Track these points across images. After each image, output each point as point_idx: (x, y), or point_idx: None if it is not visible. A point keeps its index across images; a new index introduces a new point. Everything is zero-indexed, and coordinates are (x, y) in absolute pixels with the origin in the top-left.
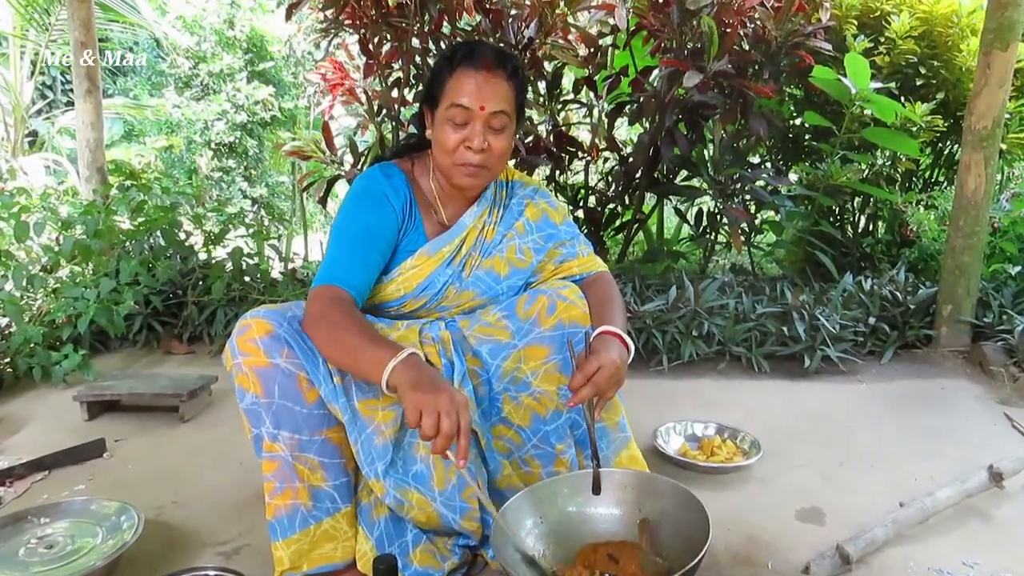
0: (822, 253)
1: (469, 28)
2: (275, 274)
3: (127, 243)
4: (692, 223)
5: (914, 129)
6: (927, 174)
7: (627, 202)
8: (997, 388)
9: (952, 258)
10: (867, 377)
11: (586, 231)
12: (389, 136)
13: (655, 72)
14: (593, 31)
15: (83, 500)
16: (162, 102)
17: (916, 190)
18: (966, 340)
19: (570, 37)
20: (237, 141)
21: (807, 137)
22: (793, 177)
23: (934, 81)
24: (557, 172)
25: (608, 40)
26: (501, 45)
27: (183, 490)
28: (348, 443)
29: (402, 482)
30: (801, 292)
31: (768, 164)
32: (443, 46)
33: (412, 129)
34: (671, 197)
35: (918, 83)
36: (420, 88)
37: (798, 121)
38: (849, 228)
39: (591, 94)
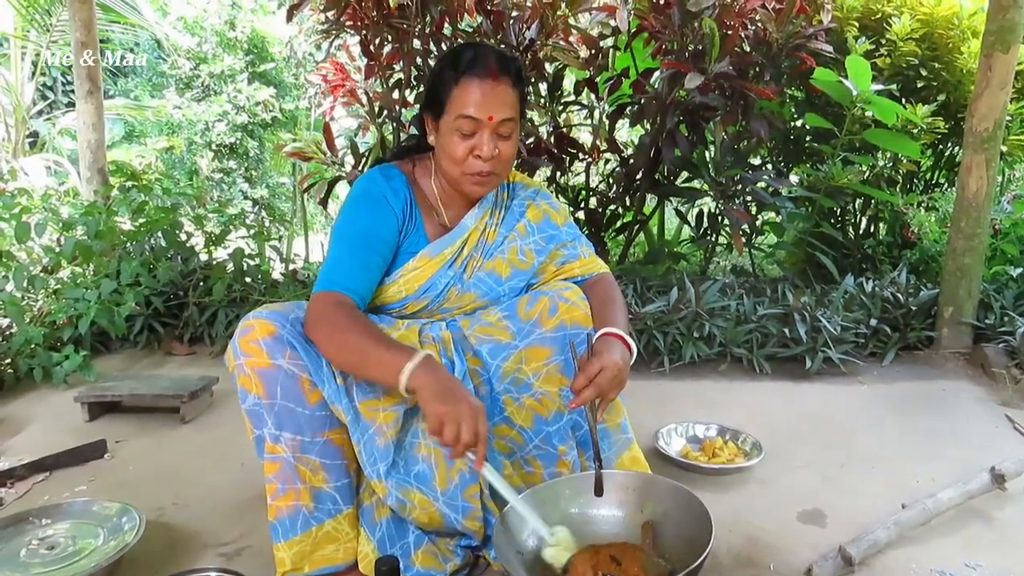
0: (823, 255)
1: (470, 30)
2: (276, 275)
3: (128, 244)
4: (693, 224)
5: (915, 131)
6: (928, 176)
7: (628, 203)
8: (999, 390)
9: (953, 260)
10: (868, 379)
11: (587, 232)
12: (390, 137)
13: (656, 74)
14: (594, 33)
15: (84, 501)
16: (163, 103)
17: (917, 192)
18: (967, 342)
19: (571, 39)
20: (238, 142)
21: (808, 139)
22: (794, 179)
23: (935, 83)
24: (558, 173)
25: (609, 42)
26: (502, 47)
27: (184, 491)
28: (350, 444)
29: (404, 482)
30: (802, 294)
31: (769, 166)
32: (444, 47)
33: (413, 130)
34: (672, 198)
35: (919, 85)
36: (421, 89)
37: (799, 123)
38: (850, 230)
39: (592, 96)
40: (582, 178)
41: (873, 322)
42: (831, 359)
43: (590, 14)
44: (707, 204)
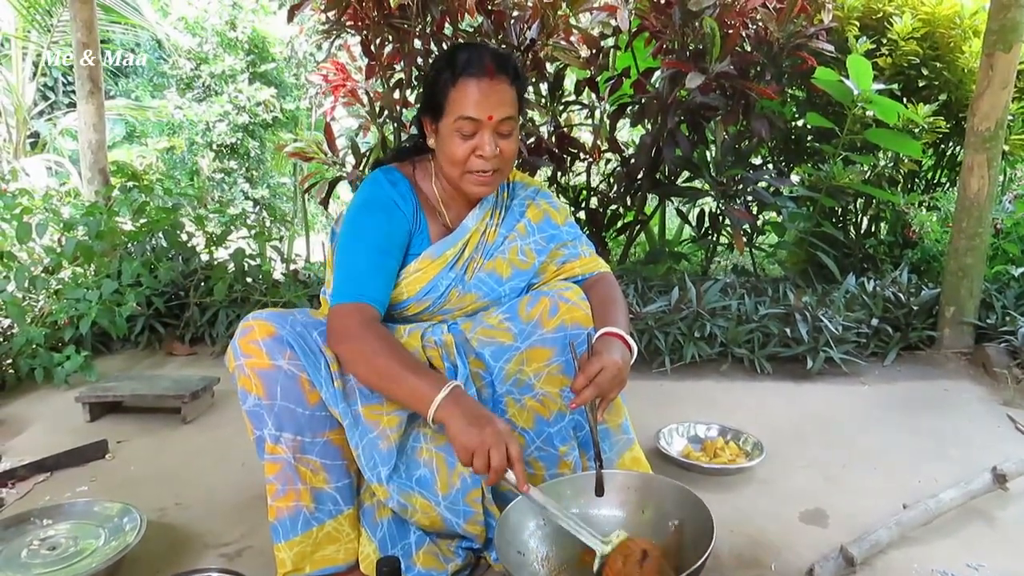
0: (824, 254)
1: (471, 30)
2: (277, 275)
3: (129, 244)
4: (694, 224)
5: (916, 130)
6: (929, 175)
7: (629, 203)
8: (1000, 390)
9: (955, 259)
10: (870, 379)
11: (588, 232)
12: (391, 137)
13: (657, 73)
14: (595, 32)
15: (85, 502)
16: (164, 103)
17: (918, 191)
18: (969, 342)
19: (572, 38)
20: (239, 142)
21: (809, 138)
22: (795, 178)
23: (936, 82)
24: (559, 173)
25: (610, 41)
26: (503, 47)
27: (185, 491)
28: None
29: (406, 487)
30: (803, 293)
31: (770, 165)
32: (445, 47)
33: (413, 130)
34: (673, 198)
35: (920, 84)
36: (421, 90)
37: (800, 122)
38: (851, 229)
39: (593, 95)
40: (583, 178)
41: (875, 322)
42: (832, 359)
43: (591, 14)
44: (708, 204)
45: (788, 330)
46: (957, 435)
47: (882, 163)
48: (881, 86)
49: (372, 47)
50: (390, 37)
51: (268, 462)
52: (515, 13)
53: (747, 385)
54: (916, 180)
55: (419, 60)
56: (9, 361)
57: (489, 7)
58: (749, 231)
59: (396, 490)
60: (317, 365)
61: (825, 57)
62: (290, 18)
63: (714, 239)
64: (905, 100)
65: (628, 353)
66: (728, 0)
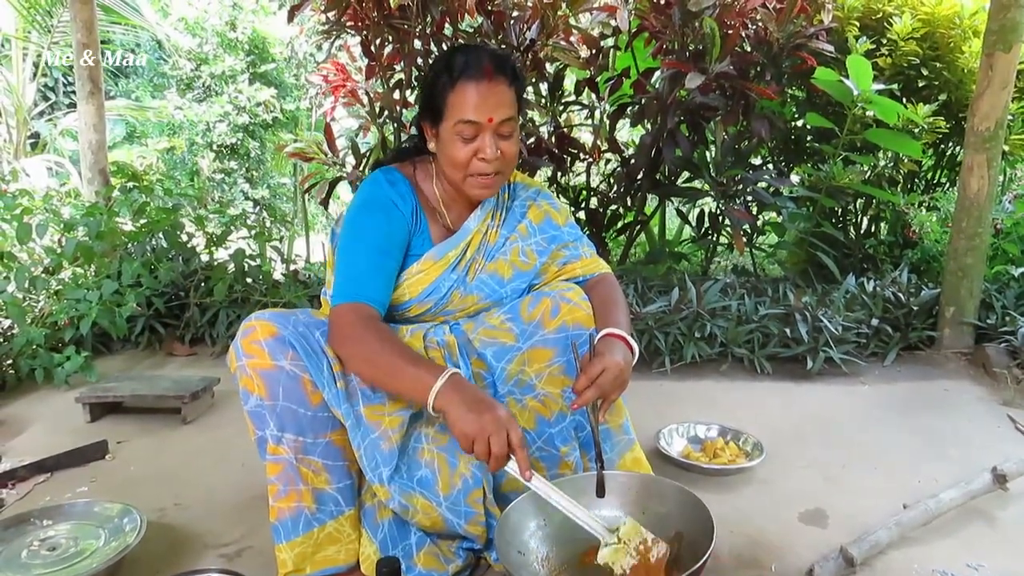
0: (824, 254)
1: (471, 30)
2: (277, 275)
3: (129, 245)
4: (694, 224)
5: (916, 130)
6: (929, 175)
7: (629, 203)
8: (1000, 390)
9: (955, 260)
10: (870, 379)
11: (588, 232)
12: (391, 138)
13: (657, 74)
14: (595, 32)
15: (85, 502)
16: (164, 104)
17: (918, 191)
18: (969, 342)
19: (572, 39)
20: (239, 143)
21: (809, 138)
22: (795, 178)
23: (936, 83)
24: (559, 174)
25: (610, 42)
26: (503, 47)
27: (185, 492)
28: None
29: (407, 487)
30: (803, 293)
31: (770, 165)
32: (445, 48)
33: (413, 131)
34: (673, 198)
35: (920, 84)
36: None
37: (800, 122)
38: (851, 229)
39: (593, 96)
40: (583, 178)
41: (874, 322)
42: (832, 359)
43: (591, 14)
44: (708, 204)
45: (788, 330)
46: (957, 435)
47: (882, 163)
48: (881, 86)
49: (372, 47)
50: (390, 37)
51: (270, 463)
52: (515, 13)
53: (747, 385)
54: (916, 180)
55: (419, 60)
56: (9, 361)
57: (489, 7)
58: (749, 231)
59: (397, 491)
60: (319, 366)
61: (825, 57)
62: (290, 19)
63: (714, 239)
64: (905, 100)
65: (630, 354)
66: (728, 0)
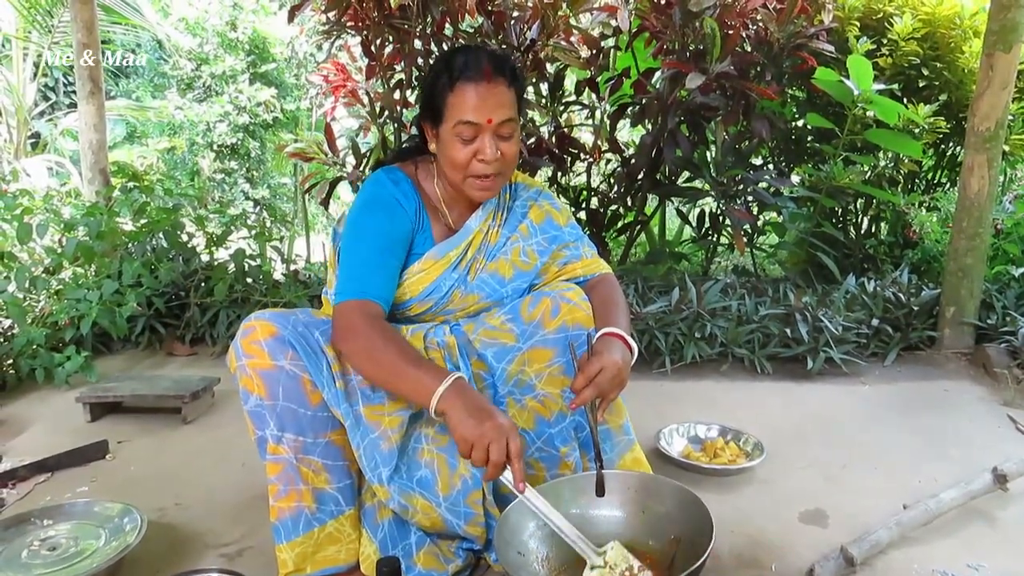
0: (825, 255)
1: (471, 30)
2: (277, 275)
3: (129, 245)
4: (694, 225)
5: (917, 131)
6: (930, 176)
7: (629, 204)
8: (1001, 390)
9: (955, 260)
10: (870, 379)
11: (588, 233)
12: (391, 138)
13: (657, 74)
14: (595, 33)
15: (86, 502)
16: (164, 104)
17: (919, 192)
18: (969, 342)
19: (572, 39)
20: (239, 143)
21: (809, 139)
22: (795, 179)
23: (937, 83)
24: (559, 174)
25: (610, 42)
26: (503, 47)
27: (186, 492)
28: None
29: (407, 488)
30: (804, 294)
31: (770, 166)
32: (445, 48)
33: (414, 130)
34: (673, 199)
35: (921, 85)
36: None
37: (800, 123)
38: (852, 230)
39: (593, 96)
40: (583, 178)
41: (875, 322)
42: (833, 359)
43: (591, 14)
44: (708, 204)
45: (788, 330)
46: (957, 435)
47: (882, 163)
48: (881, 86)
49: (372, 47)
50: (390, 37)
51: (270, 462)
52: (515, 13)
53: (747, 385)
54: (916, 180)
55: (419, 60)
56: (10, 361)
57: (489, 7)
58: (749, 231)
59: (397, 491)
60: (319, 365)
61: (825, 57)
62: (290, 19)
63: (714, 239)
64: (905, 100)
65: (628, 353)
66: (728, 0)
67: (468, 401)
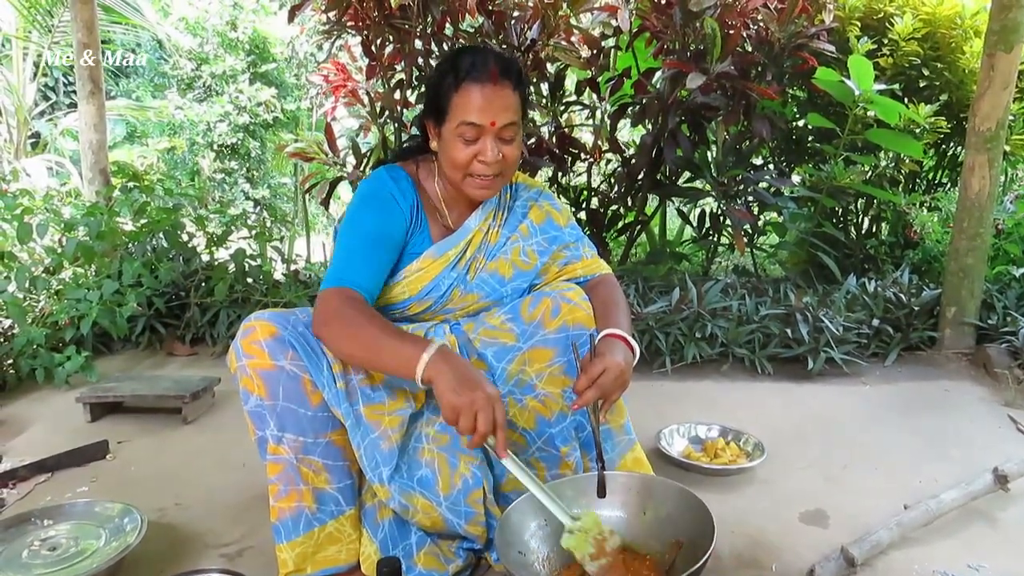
0: (825, 255)
1: (472, 30)
2: (278, 275)
3: (130, 245)
4: (695, 225)
5: (917, 131)
6: (931, 176)
7: (630, 204)
8: (1001, 390)
9: (956, 260)
10: (871, 379)
11: (589, 233)
12: (392, 137)
13: (658, 74)
14: (596, 33)
15: (86, 502)
16: (165, 104)
17: (920, 192)
18: (970, 342)
19: (573, 39)
20: (239, 143)
21: (810, 139)
22: (796, 179)
23: (937, 83)
24: (560, 174)
25: (611, 42)
26: (504, 47)
27: (186, 492)
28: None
29: (407, 487)
30: (804, 294)
31: (771, 166)
32: (446, 48)
33: (414, 130)
34: (674, 199)
35: (921, 85)
36: (422, 90)
37: (801, 123)
38: (852, 230)
39: (594, 96)
40: (584, 178)
41: (875, 322)
42: (833, 359)
43: (592, 14)
44: (709, 204)
45: (789, 331)
46: (958, 436)
47: (883, 163)
48: (882, 86)
49: (373, 47)
50: (391, 37)
51: (270, 463)
52: (516, 13)
53: (748, 386)
54: (917, 180)
55: (420, 60)
56: (10, 361)
57: (490, 7)
58: (750, 231)
59: (397, 490)
60: (319, 365)
61: (826, 57)
62: (291, 18)
63: (715, 239)
64: (906, 100)
65: (630, 355)
66: (729, 0)
67: (455, 368)
